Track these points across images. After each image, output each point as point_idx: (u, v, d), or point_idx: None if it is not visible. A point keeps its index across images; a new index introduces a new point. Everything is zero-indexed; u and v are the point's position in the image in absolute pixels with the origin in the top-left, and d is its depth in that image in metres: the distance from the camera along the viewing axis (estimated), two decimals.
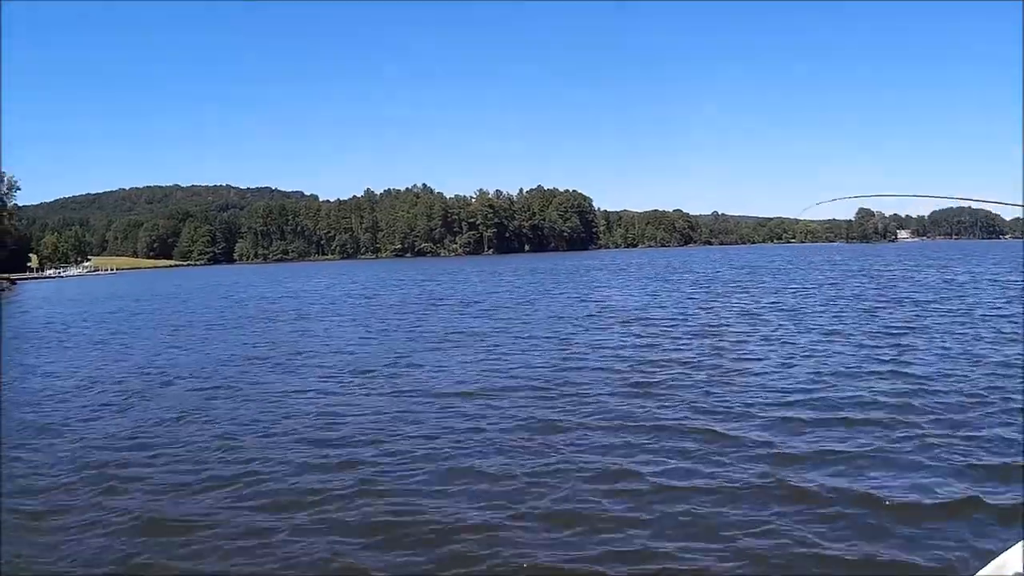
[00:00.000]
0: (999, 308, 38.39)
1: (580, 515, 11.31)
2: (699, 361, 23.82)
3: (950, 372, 20.77)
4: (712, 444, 14.54)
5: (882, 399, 17.69)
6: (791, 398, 18.25)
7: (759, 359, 24.21)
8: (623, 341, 29.29)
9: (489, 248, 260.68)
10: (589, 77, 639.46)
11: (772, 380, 20.48)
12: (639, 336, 30.79)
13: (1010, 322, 32.11)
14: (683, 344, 28.06)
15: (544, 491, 12.34)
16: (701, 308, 43.35)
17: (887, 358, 23.33)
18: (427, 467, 13.74)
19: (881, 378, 20.20)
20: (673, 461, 13.61)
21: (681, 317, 38.40)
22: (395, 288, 74.30)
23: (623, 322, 36.51)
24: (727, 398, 18.34)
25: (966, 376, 20.13)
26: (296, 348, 30.74)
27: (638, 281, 74.89)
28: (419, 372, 23.73)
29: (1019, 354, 23.44)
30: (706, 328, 33.01)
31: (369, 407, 18.83)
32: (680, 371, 22.10)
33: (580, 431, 15.82)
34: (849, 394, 18.35)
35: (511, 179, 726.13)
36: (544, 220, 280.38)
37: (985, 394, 17.98)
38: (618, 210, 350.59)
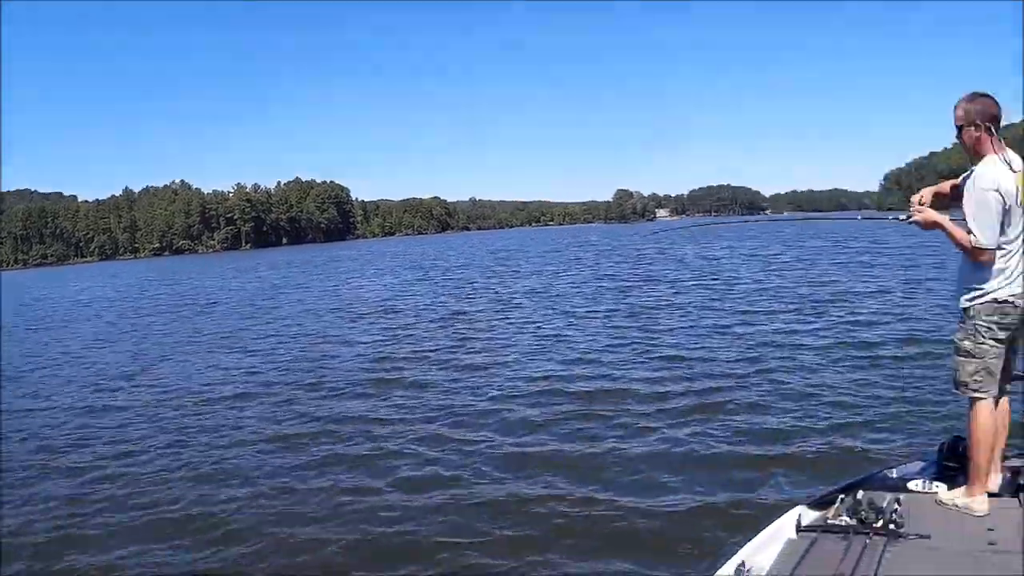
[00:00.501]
0: (758, 283, 38.83)
1: (274, 539, 9.96)
2: (446, 354, 22.48)
3: (705, 352, 20.19)
4: (445, 450, 13.18)
5: (635, 387, 16.70)
6: (537, 388, 17.15)
7: (508, 346, 23.25)
8: (371, 335, 27.72)
9: (247, 243, 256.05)
10: (341, 65, 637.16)
11: (519, 371, 19.33)
12: (387, 328, 29.35)
13: (770, 295, 32.56)
14: (431, 335, 26.77)
15: (245, 518, 10.78)
16: (452, 296, 42.23)
17: (640, 340, 22.66)
18: (124, 503, 11.68)
19: (635, 363, 19.28)
20: (402, 473, 12.19)
21: (432, 306, 37.18)
22: (145, 291, 69.19)
23: (373, 314, 35.00)
24: (469, 395, 17.05)
25: (721, 356, 19.54)
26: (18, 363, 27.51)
27: (391, 271, 73.29)
28: (146, 381, 21.44)
29: (779, 329, 23.31)
30: (457, 316, 31.90)
31: (77, 427, 16.57)
32: (425, 366, 20.71)
33: (308, 444, 14.10)
34: (598, 383, 17.30)
35: (270, 172, 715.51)
36: (302, 212, 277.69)
37: (744, 373, 17.40)
38: (376, 199, 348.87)
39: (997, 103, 5.99)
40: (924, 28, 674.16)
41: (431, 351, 23.06)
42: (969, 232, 5.89)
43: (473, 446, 13.31)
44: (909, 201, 6.41)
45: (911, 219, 6.34)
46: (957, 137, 6.14)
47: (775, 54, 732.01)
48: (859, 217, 7.93)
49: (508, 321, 29.39)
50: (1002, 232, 5.88)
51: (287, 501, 11.27)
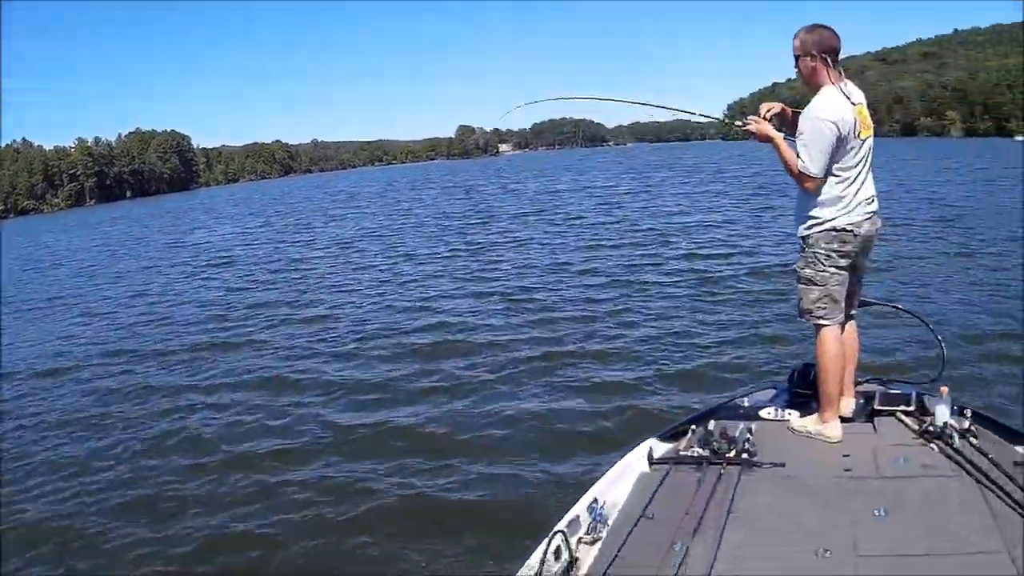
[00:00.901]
0: (603, 216, 38.98)
1: (79, 533, 9.18)
2: (284, 308, 21.61)
3: (551, 293, 20.03)
4: (276, 421, 12.37)
5: (478, 336, 16.35)
6: (376, 343, 16.55)
7: (346, 296, 22.65)
8: (209, 291, 26.62)
9: (91, 199, 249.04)
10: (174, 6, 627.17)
11: (357, 324, 18.62)
12: (225, 282, 28.27)
13: (615, 229, 32.73)
14: (269, 287, 25.83)
15: (63, 508, 9.94)
16: (291, 243, 41.10)
17: (482, 282, 22.46)
18: None
19: (478, 310, 18.93)
20: (229, 448, 11.43)
21: (271, 255, 35.97)
22: None
23: (212, 267, 33.62)
24: (304, 355, 16.30)
25: (567, 296, 19.50)
26: None
27: (232, 219, 71.17)
28: None
29: (624, 264, 23.48)
30: (296, 264, 31.18)
31: None
32: (260, 324, 19.82)
33: (130, 423, 13.02)
34: (438, 334, 16.80)
35: (110, 123, 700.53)
36: (144, 164, 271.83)
37: (591, 315, 17.25)
38: (218, 146, 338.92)
39: (836, 35, 5.95)
40: None
41: (269, 304, 22.36)
42: (799, 157, 5.87)
43: (306, 411, 12.76)
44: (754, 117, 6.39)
45: (746, 126, 6.34)
46: (795, 67, 6.09)
47: None
48: (703, 131, 7.69)
49: (348, 266, 28.95)
50: (837, 161, 5.85)
51: (99, 489, 10.46)
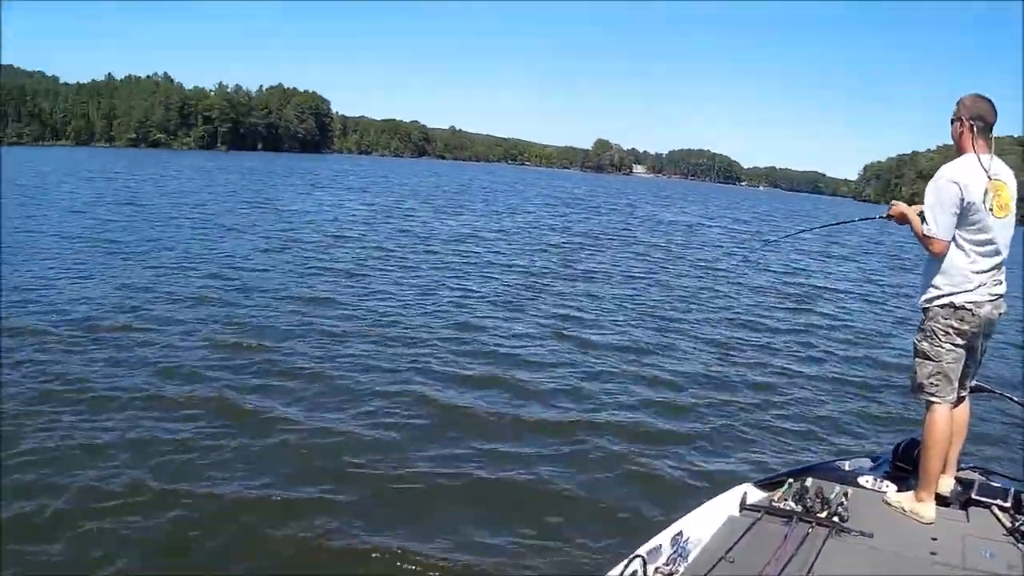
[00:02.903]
0: (738, 264, 38.27)
1: None
2: (340, 303, 20.27)
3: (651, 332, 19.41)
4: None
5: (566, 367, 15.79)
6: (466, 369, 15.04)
7: (399, 292, 21.99)
8: (290, 265, 25.72)
9: (223, 144, 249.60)
10: None
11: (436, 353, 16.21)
12: (310, 259, 27.46)
13: (753, 283, 31.68)
14: (339, 277, 24.38)
15: None
16: (394, 228, 40.08)
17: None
18: None
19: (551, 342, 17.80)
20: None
21: (369, 235, 35.34)
22: (90, 180, 63.32)
23: (298, 244, 31.47)
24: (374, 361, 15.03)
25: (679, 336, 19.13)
26: None
27: (348, 191, 70.71)
28: None
29: (750, 314, 23.25)
30: (381, 252, 30.38)
31: None
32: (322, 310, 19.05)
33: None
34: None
35: (253, 75, 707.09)
36: (280, 119, 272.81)
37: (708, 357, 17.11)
38: (356, 116, 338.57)
39: (994, 109, 5.97)
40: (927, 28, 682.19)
41: (340, 295, 21.44)
42: (924, 221, 5.90)
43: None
44: (889, 198, 6.38)
45: (887, 214, 6.38)
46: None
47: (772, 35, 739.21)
48: (857, 219, 7.70)
49: (439, 268, 28.05)
50: (963, 231, 5.81)
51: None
